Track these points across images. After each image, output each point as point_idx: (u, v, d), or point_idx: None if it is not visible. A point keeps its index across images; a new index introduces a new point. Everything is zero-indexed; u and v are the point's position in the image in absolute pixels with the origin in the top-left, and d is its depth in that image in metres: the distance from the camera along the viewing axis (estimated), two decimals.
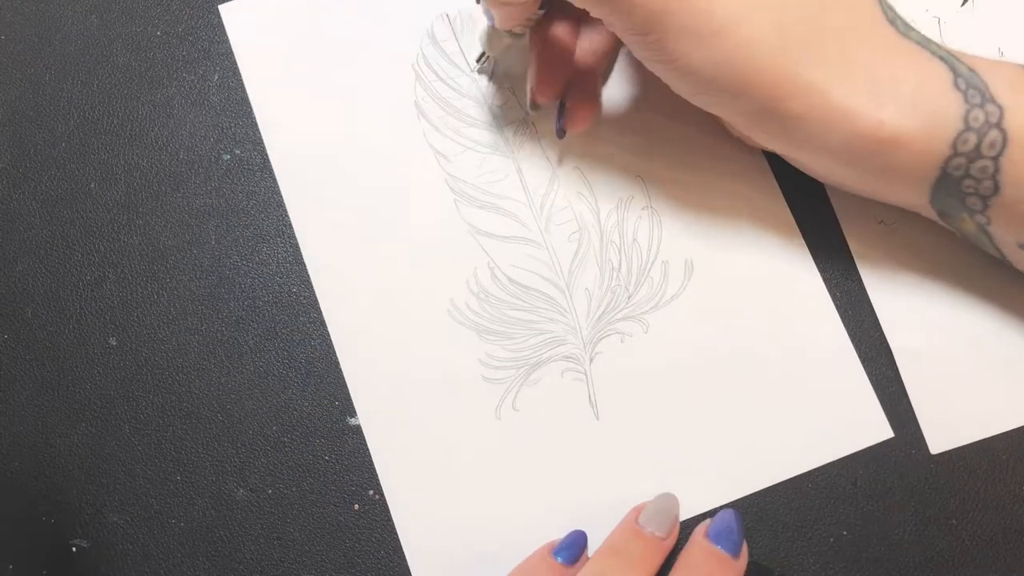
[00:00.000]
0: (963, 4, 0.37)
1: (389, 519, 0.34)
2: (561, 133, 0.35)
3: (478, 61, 0.37)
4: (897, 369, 0.35)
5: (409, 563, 0.34)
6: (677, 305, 0.35)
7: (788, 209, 0.36)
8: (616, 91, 0.37)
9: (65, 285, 0.36)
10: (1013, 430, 0.34)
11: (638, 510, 0.33)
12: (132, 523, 0.35)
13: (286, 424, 0.35)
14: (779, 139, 0.31)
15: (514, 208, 0.36)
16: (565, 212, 0.36)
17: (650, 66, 0.31)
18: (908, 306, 0.35)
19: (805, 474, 0.34)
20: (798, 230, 0.36)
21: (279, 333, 0.36)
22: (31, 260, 0.36)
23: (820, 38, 0.29)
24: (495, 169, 0.37)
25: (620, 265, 0.36)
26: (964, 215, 0.31)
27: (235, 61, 0.37)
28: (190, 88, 0.37)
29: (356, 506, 0.34)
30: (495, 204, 0.36)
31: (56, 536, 0.35)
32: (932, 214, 0.32)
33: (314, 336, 0.35)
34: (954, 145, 0.29)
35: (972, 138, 0.28)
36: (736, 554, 0.32)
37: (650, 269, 0.36)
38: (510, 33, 0.33)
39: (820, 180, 0.34)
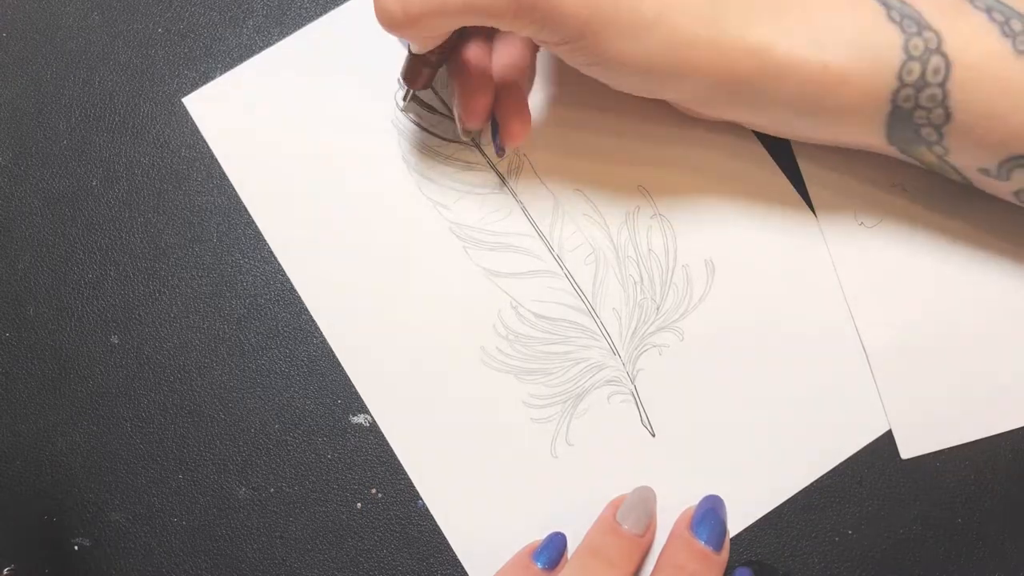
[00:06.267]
0: None
1: (391, 518, 0.34)
2: (500, 151, 0.35)
3: (404, 99, 0.36)
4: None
5: None
6: (706, 307, 0.35)
7: (787, 180, 0.36)
8: (590, 99, 0.36)
9: (67, 283, 0.36)
10: (1017, 429, 0.34)
11: (615, 505, 0.33)
12: (134, 522, 0.35)
13: (288, 422, 0.35)
14: (731, 106, 0.32)
15: (524, 243, 0.36)
16: (575, 236, 0.36)
17: (587, 70, 0.31)
18: (884, 307, 0.35)
19: None
20: (804, 202, 0.36)
21: (281, 331, 0.36)
22: (33, 258, 0.36)
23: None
24: (497, 208, 0.36)
25: (642, 278, 0.35)
26: (923, 148, 0.31)
27: (236, 59, 0.37)
28: (192, 85, 0.37)
29: (359, 504, 0.34)
30: (504, 243, 0.36)
31: (58, 534, 0.35)
32: (894, 152, 0.32)
33: (316, 334, 0.35)
34: (899, 76, 0.29)
35: (916, 67, 0.29)
36: (719, 548, 0.32)
37: (672, 276, 0.35)
38: (427, 63, 0.33)
39: (779, 135, 0.35)
